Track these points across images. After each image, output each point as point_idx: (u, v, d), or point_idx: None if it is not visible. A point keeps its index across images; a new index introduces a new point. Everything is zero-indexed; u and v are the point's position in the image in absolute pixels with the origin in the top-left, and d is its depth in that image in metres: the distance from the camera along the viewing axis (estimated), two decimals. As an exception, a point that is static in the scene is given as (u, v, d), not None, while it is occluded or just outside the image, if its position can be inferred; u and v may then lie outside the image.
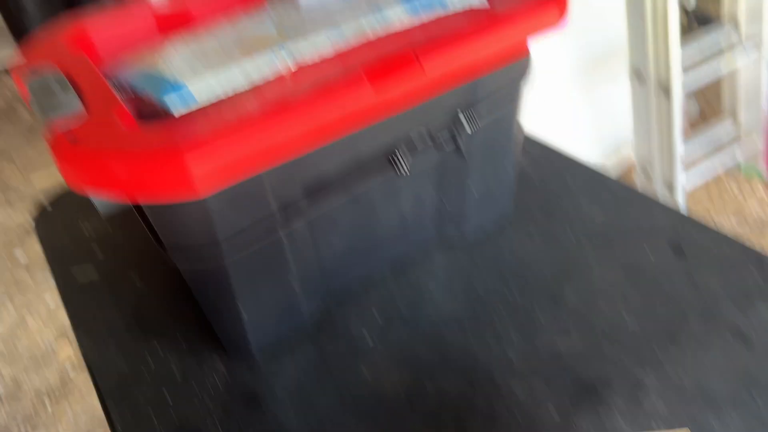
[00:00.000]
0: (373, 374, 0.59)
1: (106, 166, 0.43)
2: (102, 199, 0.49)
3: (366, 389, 0.58)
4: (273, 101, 0.46)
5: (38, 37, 0.61)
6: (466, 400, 0.56)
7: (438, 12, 0.58)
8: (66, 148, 0.45)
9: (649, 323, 0.61)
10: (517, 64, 0.61)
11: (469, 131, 0.60)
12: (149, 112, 0.58)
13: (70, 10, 3.05)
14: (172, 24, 0.64)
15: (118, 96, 0.50)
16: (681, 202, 1.73)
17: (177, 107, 0.48)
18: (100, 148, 0.44)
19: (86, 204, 0.87)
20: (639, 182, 1.80)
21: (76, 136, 0.46)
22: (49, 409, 1.52)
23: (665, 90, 1.57)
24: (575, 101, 1.87)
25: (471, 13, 0.56)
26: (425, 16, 0.57)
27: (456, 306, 0.65)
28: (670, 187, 1.71)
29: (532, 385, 0.56)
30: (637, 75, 1.62)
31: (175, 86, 0.48)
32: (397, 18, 0.56)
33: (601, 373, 0.57)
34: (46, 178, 2.35)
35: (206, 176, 0.43)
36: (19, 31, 2.93)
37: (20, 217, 2.16)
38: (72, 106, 0.49)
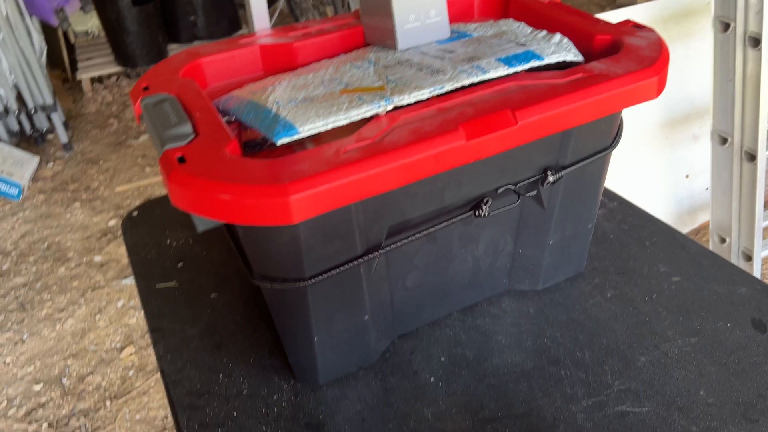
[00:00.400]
0: (434, 415, 0.60)
1: (212, 189, 0.46)
2: (200, 216, 0.52)
3: (426, 429, 0.59)
4: (367, 138, 0.49)
5: (156, 65, 0.66)
6: (527, 453, 0.56)
7: (533, 63, 0.59)
8: (175, 168, 0.48)
9: (723, 397, 0.59)
10: (608, 124, 0.61)
11: (552, 183, 0.61)
12: (249, 139, 0.62)
13: (167, 30, 3.24)
14: (277, 61, 0.68)
15: (225, 124, 0.53)
16: (758, 271, 1.66)
17: (282, 142, 0.51)
18: (207, 171, 0.47)
19: (172, 214, 0.92)
20: (713, 247, 1.74)
21: (185, 157, 0.49)
22: (109, 407, 1.58)
23: (750, 156, 1.52)
24: (652, 160, 1.83)
25: (567, 71, 0.57)
26: (521, 67, 0.58)
27: (523, 356, 0.64)
28: (748, 255, 1.65)
29: (596, 446, 0.56)
30: (721, 138, 1.58)
31: (287, 129, 0.51)
32: (494, 68, 0.58)
33: (670, 443, 0.55)
34: (128, 184, 2.48)
35: (302, 204, 0.45)
36: (119, 46, 3.14)
37: (101, 220, 2.28)
38: (183, 129, 0.52)
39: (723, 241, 1.71)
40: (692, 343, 0.64)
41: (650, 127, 1.78)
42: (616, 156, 1.66)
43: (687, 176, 1.93)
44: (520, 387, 0.61)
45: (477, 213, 0.59)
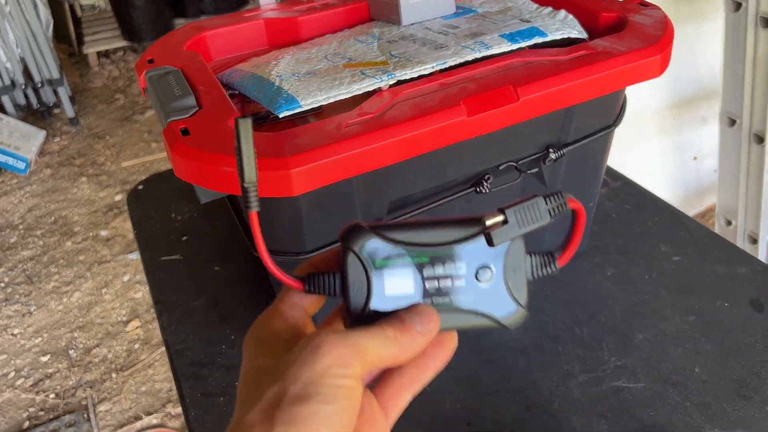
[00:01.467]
0: (433, 387, 0.60)
1: (214, 161, 0.47)
2: (203, 187, 0.53)
3: (425, 402, 0.59)
4: (369, 112, 0.49)
5: (161, 38, 0.66)
6: (523, 426, 0.57)
7: (537, 40, 0.59)
8: (179, 139, 0.49)
9: (718, 374, 0.59)
10: (611, 102, 0.61)
11: (554, 160, 0.61)
12: (253, 112, 0.62)
13: (174, 5, 3.22)
14: (282, 35, 0.68)
15: (228, 98, 0.53)
16: (763, 255, 1.66)
17: (285, 115, 0.51)
18: (210, 144, 0.47)
19: (177, 189, 0.93)
20: (719, 230, 1.73)
21: (189, 129, 0.49)
22: (114, 379, 1.61)
23: (759, 138, 1.51)
24: (659, 141, 1.82)
25: (571, 48, 0.56)
26: (524, 44, 0.58)
27: (522, 332, 0.65)
28: (753, 238, 1.64)
29: (592, 421, 0.56)
30: (730, 120, 1.57)
31: (290, 102, 0.51)
32: (497, 44, 0.58)
33: (664, 419, 0.56)
34: (134, 160, 2.49)
35: (303, 176, 0.46)
36: (125, 20, 3.13)
37: (107, 195, 2.29)
38: (187, 102, 0.53)
39: (729, 223, 1.71)
40: (690, 322, 0.65)
41: (658, 107, 1.77)
42: (623, 136, 1.66)
43: (695, 158, 1.92)
44: (518, 362, 0.62)
45: (478, 189, 0.59)
